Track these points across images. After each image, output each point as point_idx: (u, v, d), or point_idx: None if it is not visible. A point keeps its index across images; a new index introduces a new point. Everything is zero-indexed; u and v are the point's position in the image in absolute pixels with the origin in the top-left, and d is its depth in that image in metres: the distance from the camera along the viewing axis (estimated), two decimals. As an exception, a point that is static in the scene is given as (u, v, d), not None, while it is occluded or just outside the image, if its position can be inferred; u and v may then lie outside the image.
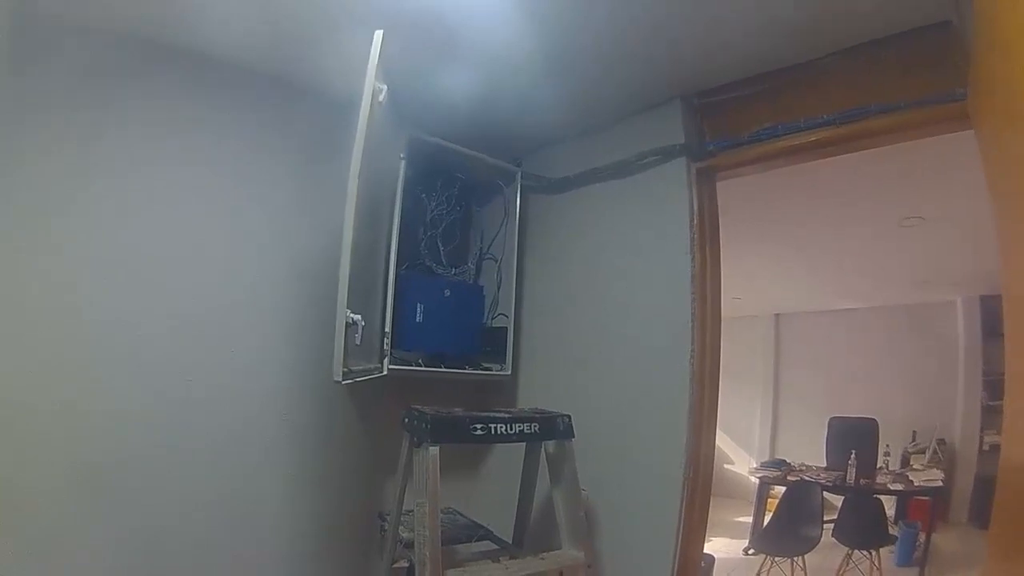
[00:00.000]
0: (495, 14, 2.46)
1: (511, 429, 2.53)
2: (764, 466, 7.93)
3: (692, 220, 3.01)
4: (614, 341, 3.26)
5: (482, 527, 3.03)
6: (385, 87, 2.57)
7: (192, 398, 2.81)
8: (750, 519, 7.52)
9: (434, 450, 2.29)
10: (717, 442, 3.25)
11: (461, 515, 3.19)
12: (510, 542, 2.90)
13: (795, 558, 5.66)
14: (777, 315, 10.54)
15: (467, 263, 3.75)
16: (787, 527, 6.04)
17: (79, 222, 2.61)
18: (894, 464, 7.60)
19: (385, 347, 3.01)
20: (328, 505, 3.19)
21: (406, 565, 2.85)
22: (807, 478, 6.81)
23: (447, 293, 3.40)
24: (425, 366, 3.24)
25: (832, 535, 5.94)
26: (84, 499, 2.52)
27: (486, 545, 2.93)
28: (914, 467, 7.41)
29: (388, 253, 3.08)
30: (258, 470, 2.97)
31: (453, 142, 3.32)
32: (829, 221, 5.43)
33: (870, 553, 5.74)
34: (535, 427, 2.61)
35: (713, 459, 3.10)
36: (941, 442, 7.88)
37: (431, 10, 2.46)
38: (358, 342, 2.54)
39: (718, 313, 3.07)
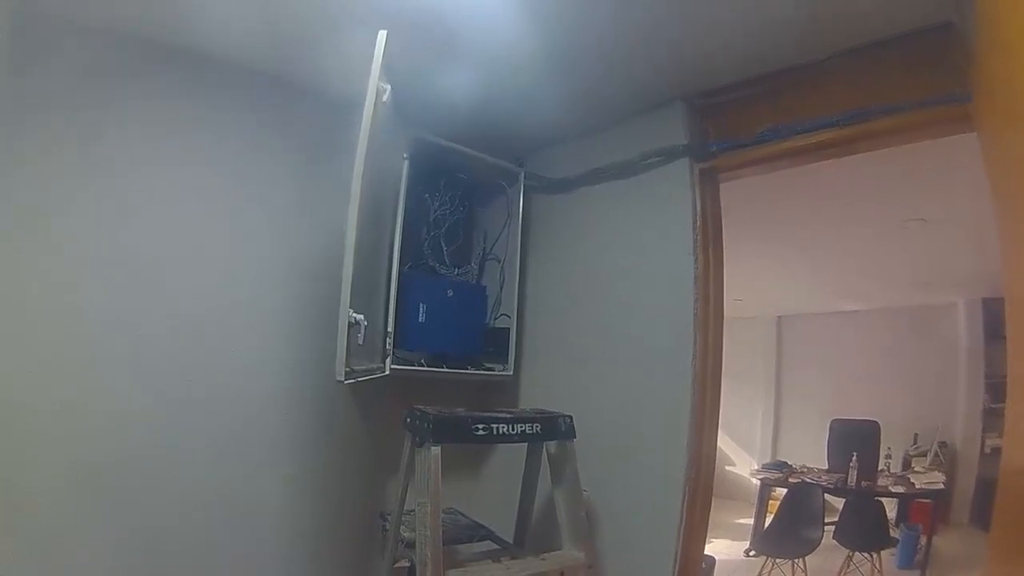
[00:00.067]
0: (496, 13, 2.46)
1: (513, 429, 2.53)
2: (765, 468, 7.93)
3: (695, 221, 3.01)
4: (616, 342, 3.26)
5: (483, 527, 3.03)
6: (388, 87, 2.57)
7: (192, 398, 2.81)
8: (751, 521, 7.51)
9: (436, 450, 2.29)
10: (719, 443, 3.24)
11: (462, 515, 3.19)
12: (511, 542, 2.90)
13: (796, 560, 5.66)
14: (779, 317, 10.54)
15: (470, 263, 3.75)
16: (788, 529, 6.03)
17: (79, 222, 2.61)
18: (895, 466, 7.59)
19: (387, 347, 3.01)
20: (329, 505, 3.19)
21: (407, 565, 2.84)
22: (808, 480, 6.82)
23: (450, 293, 3.40)
24: (427, 366, 3.24)
25: (833, 537, 5.93)
26: (84, 499, 2.52)
27: (487, 545, 2.93)
28: (915, 469, 7.39)
29: (391, 253, 3.08)
30: (258, 470, 2.97)
31: (455, 142, 3.31)
32: (831, 222, 5.43)
33: (871, 555, 5.73)
34: (537, 427, 2.61)
35: (715, 460, 3.10)
36: (943, 445, 7.87)
37: (432, 10, 2.46)
38: (360, 342, 2.54)
39: (720, 314, 3.07)
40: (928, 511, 6.71)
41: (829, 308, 9.68)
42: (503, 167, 3.60)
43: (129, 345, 2.68)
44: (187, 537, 2.75)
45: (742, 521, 7.97)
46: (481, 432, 2.45)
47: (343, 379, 2.47)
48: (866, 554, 5.75)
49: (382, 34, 2.39)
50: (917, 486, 6.61)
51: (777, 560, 5.77)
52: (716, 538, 6.58)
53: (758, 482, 7.54)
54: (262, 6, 2.51)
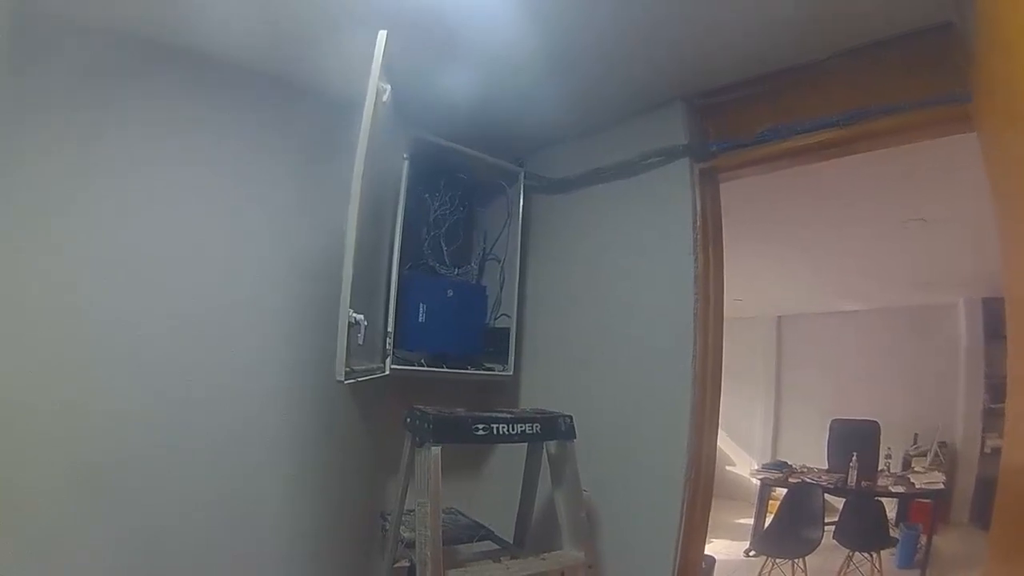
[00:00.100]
0: (496, 13, 2.45)
1: (513, 429, 2.53)
2: (765, 468, 7.93)
3: (695, 221, 3.01)
4: (616, 342, 3.26)
5: (483, 527, 3.03)
6: (389, 87, 2.56)
7: (192, 398, 2.81)
8: (751, 521, 7.51)
9: (436, 450, 2.29)
10: (719, 443, 3.24)
11: (462, 515, 3.19)
12: (511, 542, 2.90)
13: (796, 560, 5.66)
14: (779, 317, 10.54)
15: (470, 263, 3.74)
16: (788, 529, 6.03)
17: (79, 222, 2.61)
18: (895, 466, 7.59)
19: (387, 347, 3.01)
20: (329, 505, 3.19)
21: (407, 565, 2.84)
22: (808, 480, 6.82)
23: (450, 293, 3.40)
24: (427, 366, 3.24)
25: (833, 537, 5.93)
26: (84, 499, 2.52)
27: (487, 545, 2.93)
28: (915, 469, 7.40)
29: (391, 253, 3.08)
30: (258, 470, 2.97)
31: (455, 142, 3.31)
32: (831, 222, 5.43)
33: (871, 555, 5.74)
34: (537, 427, 2.61)
35: (715, 460, 3.10)
36: (943, 444, 7.88)
37: (432, 9, 2.46)
38: (360, 342, 2.54)
39: (720, 314, 3.07)
40: (928, 511, 6.71)
41: (829, 308, 9.68)
42: (503, 167, 3.59)
43: (129, 345, 2.68)
44: (187, 537, 2.75)
45: (742, 521, 7.97)
46: (481, 432, 2.45)
47: (343, 379, 2.47)
48: (866, 554, 5.75)
49: (382, 34, 2.38)
50: (917, 486, 6.62)
51: (777, 560, 5.77)
52: (716, 538, 6.58)
53: (758, 482, 7.54)
54: (262, 6, 2.51)
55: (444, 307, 3.33)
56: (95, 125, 2.66)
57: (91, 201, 2.64)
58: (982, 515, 6.96)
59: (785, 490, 6.90)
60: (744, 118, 2.98)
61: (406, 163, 3.15)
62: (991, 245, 1.88)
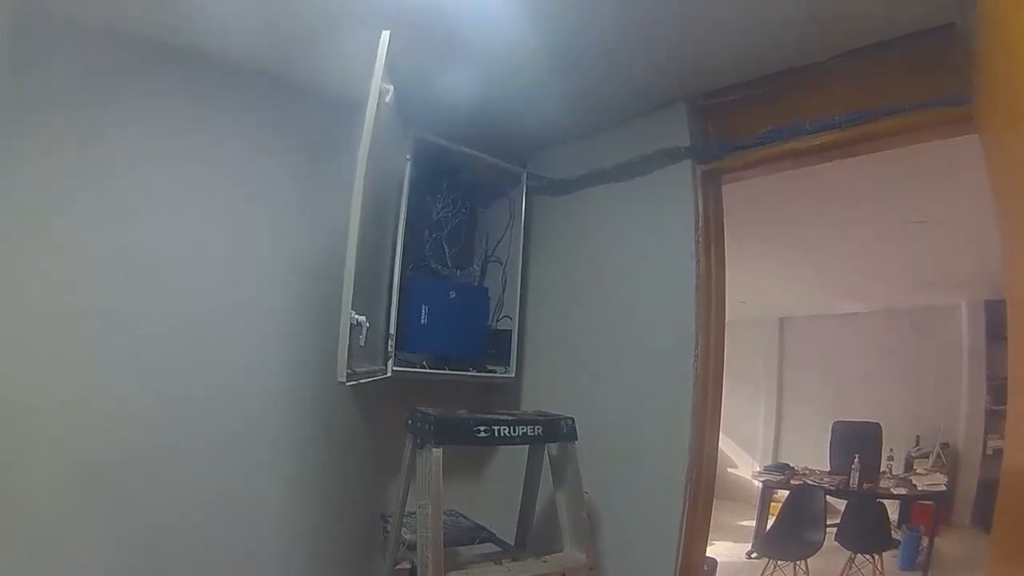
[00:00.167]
0: (497, 14, 2.45)
1: (514, 431, 2.53)
2: (767, 470, 7.93)
3: (697, 223, 3.00)
4: (618, 343, 3.25)
5: (485, 529, 3.03)
6: (391, 88, 2.56)
7: (192, 398, 2.81)
8: (753, 523, 7.49)
9: (437, 452, 2.29)
10: (720, 445, 3.24)
11: (464, 517, 3.18)
12: (512, 544, 2.89)
13: (798, 562, 5.66)
14: (781, 318, 10.53)
15: (472, 265, 3.75)
16: (790, 531, 6.03)
17: (79, 222, 2.60)
18: (897, 468, 7.58)
19: (389, 349, 3.01)
20: (330, 506, 3.19)
21: (408, 567, 2.84)
22: (810, 482, 6.82)
23: (452, 295, 3.40)
24: (429, 368, 3.24)
25: (835, 539, 5.92)
26: (84, 499, 2.52)
27: (488, 547, 2.92)
28: (917, 471, 7.38)
29: (393, 254, 3.08)
30: (258, 470, 2.97)
31: (456, 143, 3.31)
32: (833, 223, 5.42)
33: (873, 557, 5.73)
34: (538, 429, 2.60)
35: (716, 462, 3.09)
36: (945, 446, 7.86)
37: (432, 10, 2.45)
38: (362, 343, 2.54)
39: (722, 316, 3.06)
40: (930, 513, 6.70)
41: (831, 309, 9.67)
42: (505, 168, 3.60)
43: (129, 345, 2.68)
44: (187, 537, 2.75)
45: (744, 523, 7.96)
46: (483, 434, 2.45)
47: (344, 380, 2.46)
48: (868, 556, 5.75)
49: (385, 34, 2.38)
50: (919, 488, 6.62)
51: (779, 562, 5.77)
52: (718, 540, 6.57)
53: (760, 484, 7.53)
54: (262, 6, 2.51)
55: (446, 309, 3.32)
56: (95, 125, 2.66)
57: (91, 201, 2.64)
58: (984, 517, 6.93)
59: (787, 492, 6.89)
60: (746, 119, 2.97)
61: (408, 164, 3.15)
62: (993, 246, 1.87)
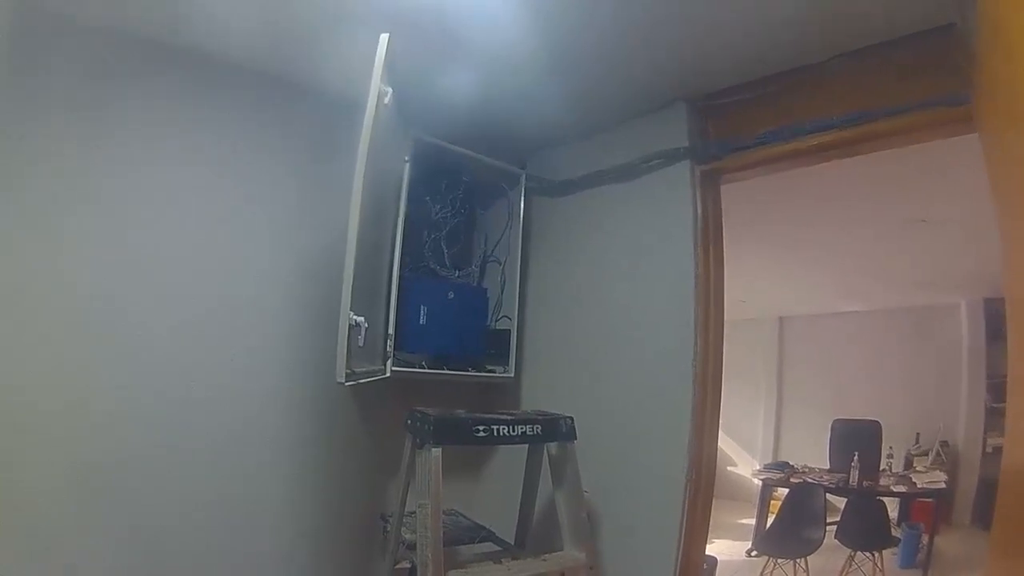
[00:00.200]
0: (497, 14, 2.45)
1: (513, 431, 2.53)
2: (767, 468, 7.94)
3: (696, 223, 3.01)
4: (617, 343, 3.25)
5: (484, 528, 3.03)
6: (390, 90, 2.55)
7: (192, 398, 2.81)
8: (753, 521, 7.49)
9: (437, 451, 2.29)
10: (720, 444, 3.24)
11: (463, 516, 3.18)
12: (512, 543, 2.89)
13: (798, 560, 5.67)
14: (781, 317, 10.53)
15: (471, 265, 3.74)
16: (790, 529, 6.03)
17: (79, 222, 2.60)
18: (897, 466, 7.58)
19: (388, 349, 3.01)
20: (330, 506, 3.19)
21: (408, 566, 2.84)
22: (810, 480, 6.82)
23: (451, 295, 3.39)
24: (428, 368, 3.24)
25: (835, 537, 5.93)
26: (84, 499, 2.52)
27: (488, 546, 2.93)
28: (917, 469, 7.39)
29: (392, 255, 3.08)
30: (259, 470, 2.97)
31: (455, 143, 3.31)
32: (833, 223, 5.43)
33: (873, 555, 5.74)
34: (537, 429, 2.61)
35: (716, 461, 3.10)
36: (944, 444, 7.87)
37: (432, 10, 2.45)
38: (361, 344, 2.54)
39: (721, 315, 3.06)
40: (930, 511, 6.70)
41: (831, 309, 9.68)
42: (504, 169, 3.60)
43: (129, 345, 2.68)
44: (187, 537, 2.75)
45: (744, 521, 7.97)
46: (482, 434, 2.45)
47: (344, 381, 2.46)
48: (868, 554, 5.75)
49: (383, 37, 2.37)
50: (919, 486, 6.61)
51: (779, 560, 5.77)
52: (718, 538, 6.60)
53: (759, 482, 7.54)
54: (262, 6, 2.50)
55: (445, 309, 3.32)
56: (95, 125, 2.65)
57: (91, 201, 2.64)
58: (984, 515, 6.95)
59: (787, 490, 6.89)
60: (745, 120, 2.97)
61: (407, 165, 3.15)
62: (993, 246, 1.87)
